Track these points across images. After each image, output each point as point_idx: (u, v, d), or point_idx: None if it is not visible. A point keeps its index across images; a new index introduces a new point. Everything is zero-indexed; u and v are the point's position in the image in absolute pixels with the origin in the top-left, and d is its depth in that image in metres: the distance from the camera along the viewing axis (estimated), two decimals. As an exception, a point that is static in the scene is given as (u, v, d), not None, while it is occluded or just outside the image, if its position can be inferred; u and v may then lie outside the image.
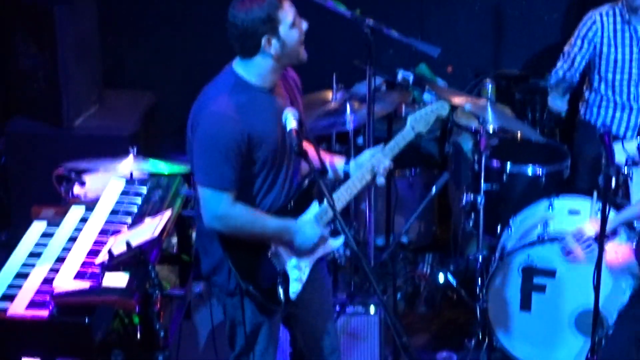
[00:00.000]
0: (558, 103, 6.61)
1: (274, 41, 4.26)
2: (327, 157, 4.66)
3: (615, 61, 6.39)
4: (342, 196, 4.54)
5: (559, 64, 6.54)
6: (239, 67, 4.37)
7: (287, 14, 4.27)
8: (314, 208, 4.54)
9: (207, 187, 4.30)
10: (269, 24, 4.24)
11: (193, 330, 5.21)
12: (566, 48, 6.53)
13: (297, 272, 4.54)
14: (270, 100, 4.36)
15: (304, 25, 4.37)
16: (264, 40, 4.25)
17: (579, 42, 6.44)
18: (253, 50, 4.29)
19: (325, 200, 4.46)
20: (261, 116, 4.32)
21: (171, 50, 7.79)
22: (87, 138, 6.61)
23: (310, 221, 4.50)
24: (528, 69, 7.63)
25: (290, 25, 4.28)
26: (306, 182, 4.53)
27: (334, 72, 6.07)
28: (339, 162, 4.68)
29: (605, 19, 6.39)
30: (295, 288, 4.54)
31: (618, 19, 6.38)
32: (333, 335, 4.90)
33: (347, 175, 4.63)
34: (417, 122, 4.68)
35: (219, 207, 4.30)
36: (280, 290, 4.50)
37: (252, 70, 4.34)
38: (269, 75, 4.34)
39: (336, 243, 4.62)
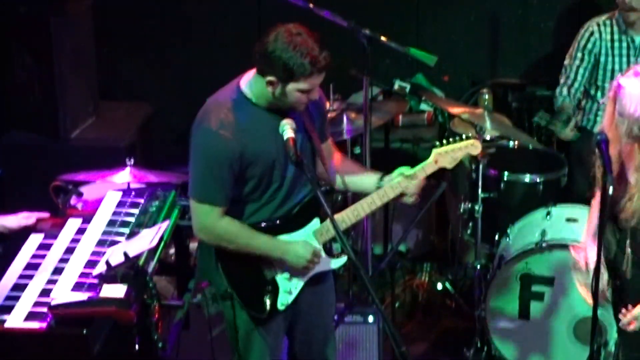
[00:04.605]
0: (566, 132, 6.53)
1: (278, 86, 4.24)
2: (358, 170, 4.66)
3: (613, 71, 6.39)
4: (347, 217, 4.50)
5: (562, 81, 6.51)
6: (245, 82, 4.37)
7: (308, 84, 4.22)
8: (315, 224, 4.53)
9: (195, 199, 4.38)
10: (284, 74, 4.19)
11: (191, 340, 5.20)
12: (566, 62, 6.51)
13: (288, 284, 4.54)
14: (269, 118, 4.34)
15: (315, 96, 4.32)
16: (270, 77, 4.23)
17: (579, 55, 6.43)
18: (261, 72, 4.27)
19: (328, 218, 4.45)
20: (258, 134, 4.32)
21: (167, 61, 7.80)
22: (83, 149, 6.61)
23: (302, 240, 4.49)
24: (525, 77, 7.64)
25: (301, 91, 4.24)
26: (308, 196, 4.51)
27: (331, 82, 6.07)
28: (371, 178, 4.60)
29: (602, 28, 6.40)
30: (284, 300, 4.54)
31: (615, 29, 6.39)
32: (331, 347, 4.89)
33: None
34: (442, 157, 4.52)
35: (205, 219, 4.38)
36: (267, 300, 4.51)
37: (255, 88, 4.32)
38: (265, 99, 4.32)
39: (337, 263, 4.61)
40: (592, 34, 6.40)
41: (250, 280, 4.52)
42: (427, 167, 4.52)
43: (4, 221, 4.79)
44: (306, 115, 4.43)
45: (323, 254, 4.55)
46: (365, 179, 4.62)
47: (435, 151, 4.52)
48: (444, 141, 4.53)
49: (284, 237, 4.49)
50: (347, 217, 4.51)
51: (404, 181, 4.50)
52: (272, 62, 4.19)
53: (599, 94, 6.47)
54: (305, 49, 4.17)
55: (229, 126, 4.27)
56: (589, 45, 6.40)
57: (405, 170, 4.52)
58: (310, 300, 4.68)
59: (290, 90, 4.24)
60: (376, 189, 4.52)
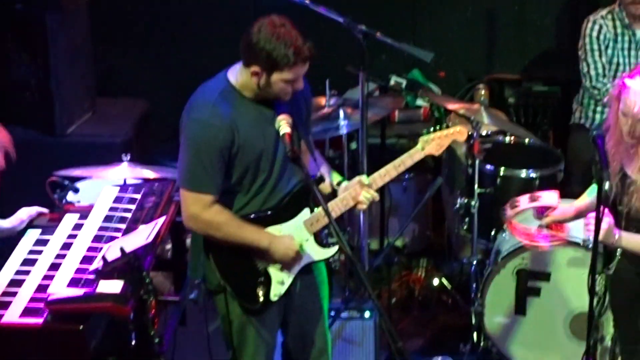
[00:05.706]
0: None
1: (262, 76, 4.28)
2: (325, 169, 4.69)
3: (617, 64, 6.39)
4: (337, 206, 4.54)
5: (592, 74, 6.36)
6: (232, 73, 4.41)
7: (292, 73, 4.27)
8: (305, 214, 4.55)
9: (185, 188, 4.42)
10: (268, 63, 4.23)
11: (188, 336, 5.20)
12: (585, 58, 6.42)
13: (281, 274, 4.56)
14: (256, 109, 4.38)
15: (299, 85, 4.35)
16: (255, 68, 4.27)
17: (594, 44, 6.40)
18: (246, 62, 4.32)
19: (319, 207, 4.46)
20: (245, 124, 4.35)
21: (163, 57, 7.80)
22: (80, 145, 6.60)
23: (289, 233, 4.51)
24: (521, 73, 7.64)
25: (284, 81, 4.28)
26: (298, 187, 4.53)
27: (327, 77, 6.08)
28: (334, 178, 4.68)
29: (606, 22, 6.40)
30: (277, 290, 4.56)
31: (617, 23, 6.40)
32: (322, 338, 4.90)
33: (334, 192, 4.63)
34: (429, 145, 4.57)
35: (194, 208, 4.41)
36: (260, 291, 4.52)
37: (241, 79, 4.37)
38: (251, 90, 4.36)
39: (329, 253, 4.62)
40: (600, 26, 6.40)
41: (243, 272, 4.54)
42: (414, 154, 4.56)
43: (6, 223, 4.83)
44: (294, 106, 4.46)
45: (314, 244, 4.57)
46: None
47: (422, 139, 4.57)
48: (432, 129, 4.60)
49: (274, 228, 4.52)
50: (336, 206, 4.54)
51: (389, 169, 4.54)
52: (256, 53, 4.24)
53: (597, 89, 6.47)
54: (288, 40, 4.22)
55: (218, 115, 4.31)
56: (601, 37, 6.39)
57: (363, 178, 4.56)
58: (303, 292, 4.71)
59: (275, 81, 4.28)
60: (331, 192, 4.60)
